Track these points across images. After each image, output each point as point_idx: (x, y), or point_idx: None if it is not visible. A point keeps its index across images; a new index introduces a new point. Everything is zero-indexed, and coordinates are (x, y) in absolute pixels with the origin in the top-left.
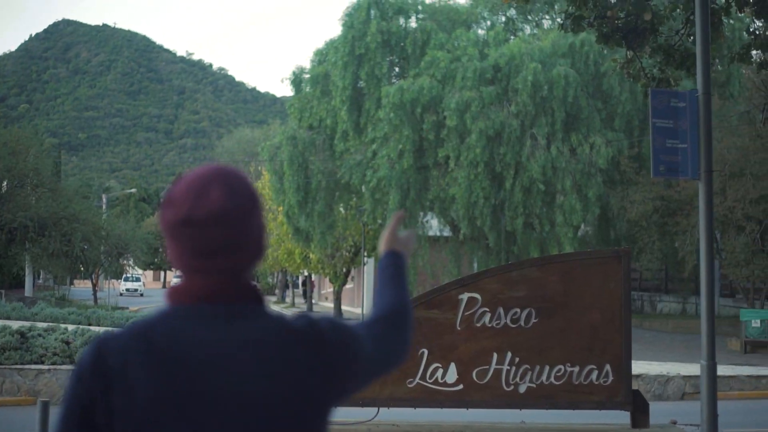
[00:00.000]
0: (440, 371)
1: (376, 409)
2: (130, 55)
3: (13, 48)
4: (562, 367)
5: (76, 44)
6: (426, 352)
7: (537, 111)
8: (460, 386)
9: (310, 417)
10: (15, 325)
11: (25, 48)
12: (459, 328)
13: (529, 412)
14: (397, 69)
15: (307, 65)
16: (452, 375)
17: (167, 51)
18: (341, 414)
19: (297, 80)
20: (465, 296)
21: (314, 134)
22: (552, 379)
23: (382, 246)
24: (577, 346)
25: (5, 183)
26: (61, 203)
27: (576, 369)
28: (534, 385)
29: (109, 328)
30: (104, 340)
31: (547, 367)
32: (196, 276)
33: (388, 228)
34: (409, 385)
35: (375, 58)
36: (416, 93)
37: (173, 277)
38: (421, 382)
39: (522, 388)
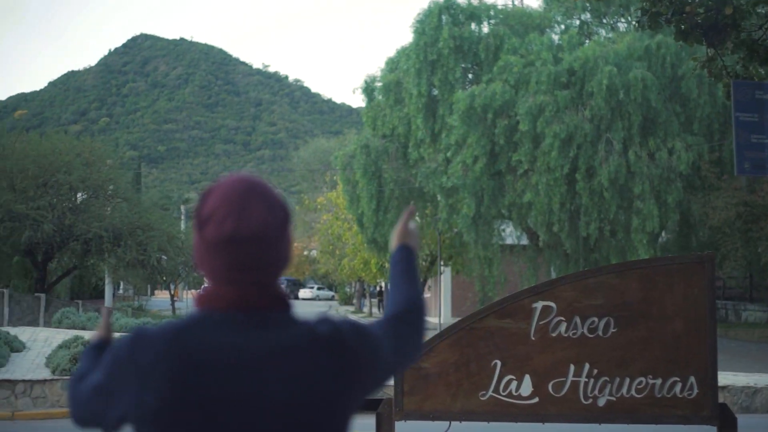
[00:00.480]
0: (514, 383)
1: (448, 422)
2: (207, 68)
3: (93, 63)
4: (643, 379)
5: (154, 58)
6: (499, 363)
7: (612, 115)
8: (536, 399)
9: (334, 420)
10: (88, 335)
11: (105, 62)
12: (533, 339)
13: (608, 426)
14: (470, 75)
15: (378, 74)
16: (527, 387)
17: (244, 64)
18: (412, 428)
19: (369, 89)
20: (539, 305)
21: (387, 143)
22: (633, 392)
23: (394, 240)
24: (660, 357)
25: (80, 194)
26: (136, 213)
27: (658, 381)
28: (614, 399)
29: (149, 321)
30: (140, 336)
31: (627, 380)
32: (228, 285)
33: (400, 222)
34: (482, 398)
35: (447, 64)
36: (488, 98)
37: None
38: (494, 394)
39: (601, 402)
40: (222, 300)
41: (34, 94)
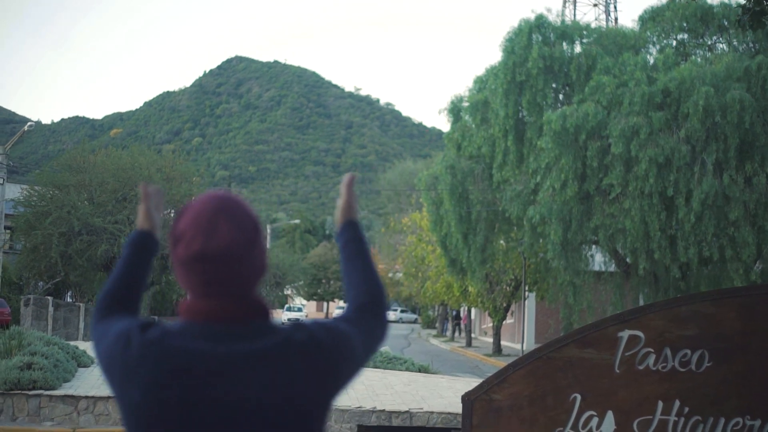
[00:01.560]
0: (595, 420)
1: None
2: (299, 90)
3: (188, 84)
4: (740, 420)
5: (247, 80)
6: (579, 397)
7: (708, 137)
8: None
9: (309, 420)
10: None
11: (200, 84)
12: (618, 371)
13: None
14: (561, 96)
15: (466, 94)
16: (609, 425)
17: (335, 86)
18: None
19: (455, 109)
20: (625, 334)
21: (473, 163)
22: None
23: (338, 216)
24: (759, 395)
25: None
26: None
27: (757, 423)
28: None
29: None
30: (132, 335)
31: (722, 420)
32: (205, 298)
33: (343, 196)
34: None
35: (537, 84)
36: (580, 119)
37: (335, 308)
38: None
39: None
40: (200, 312)
41: (129, 114)
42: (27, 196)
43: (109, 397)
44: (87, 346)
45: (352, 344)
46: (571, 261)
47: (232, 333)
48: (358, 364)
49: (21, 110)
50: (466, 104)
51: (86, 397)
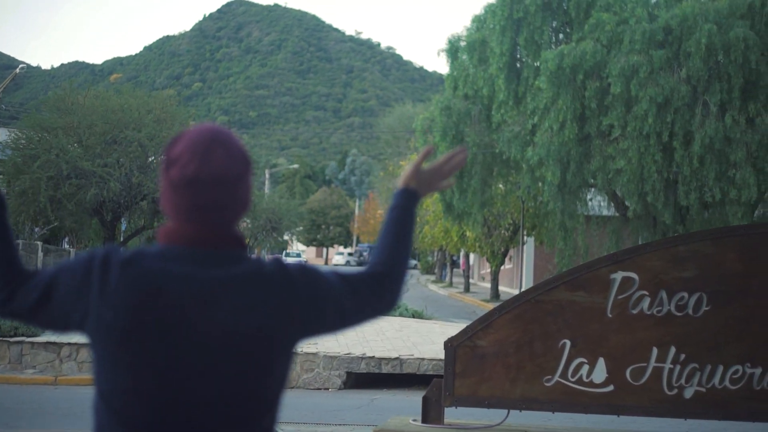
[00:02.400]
0: (585, 368)
1: (506, 411)
2: (300, 34)
3: (188, 28)
4: (740, 367)
5: (248, 24)
6: (568, 343)
7: (710, 76)
8: (610, 387)
9: (273, 352)
10: None
11: (199, 28)
12: (610, 316)
13: (696, 422)
14: (560, 35)
15: (464, 33)
16: (600, 373)
17: (336, 30)
18: (463, 414)
19: (453, 49)
20: (618, 275)
21: (470, 104)
22: (727, 383)
23: (401, 180)
24: (761, 341)
25: (150, 152)
26: None
27: (758, 371)
28: (703, 390)
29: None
30: (113, 254)
31: (720, 368)
32: (189, 223)
33: (415, 163)
34: (547, 384)
35: (534, 22)
36: (578, 58)
37: (335, 254)
38: (561, 380)
39: (688, 393)
40: (182, 236)
41: (129, 59)
42: (15, 138)
43: None
44: None
45: (327, 289)
46: (568, 204)
47: (210, 258)
48: (337, 316)
49: (21, 56)
50: (463, 44)
51: (69, 344)
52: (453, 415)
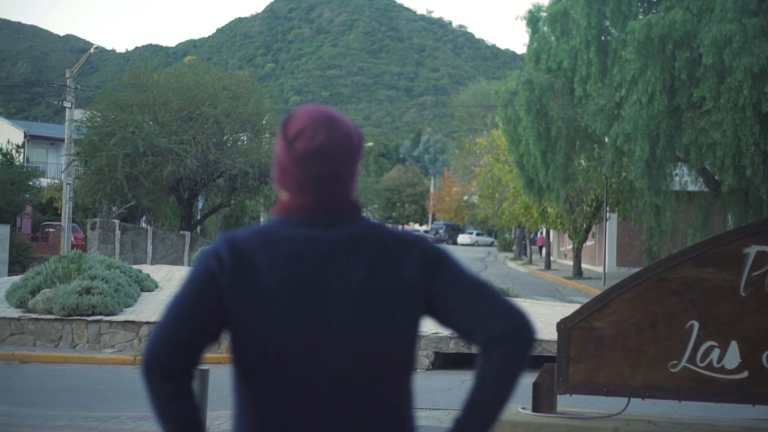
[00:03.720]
0: (716, 352)
1: (626, 399)
2: (371, 14)
3: (260, 9)
4: None
5: (319, 4)
6: (696, 325)
7: None
8: (744, 373)
9: (406, 308)
10: None
11: (271, 9)
12: (743, 294)
13: None
14: (646, 4)
15: (545, 3)
16: (733, 358)
17: (408, 9)
18: (579, 402)
19: (533, 20)
20: (752, 250)
21: (552, 78)
22: None
23: None
24: None
25: (226, 129)
26: None
27: None
28: None
29: None
30: (231, 234)
31: None
32: (310, 194)
33: None
34: (672, 370)
35: None
36: (667, 28)
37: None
38: (688, 365)
39: None
40: (300, 206)
41: (202, 41)
42: (90, 117)
43: None
44: (152, 270)
45: (454, 269)
46: (655, 180)
47: (333, 221)
48: (447, 305)
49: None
50: (544, 15)
51: (148, 323)
52: (566, 403)
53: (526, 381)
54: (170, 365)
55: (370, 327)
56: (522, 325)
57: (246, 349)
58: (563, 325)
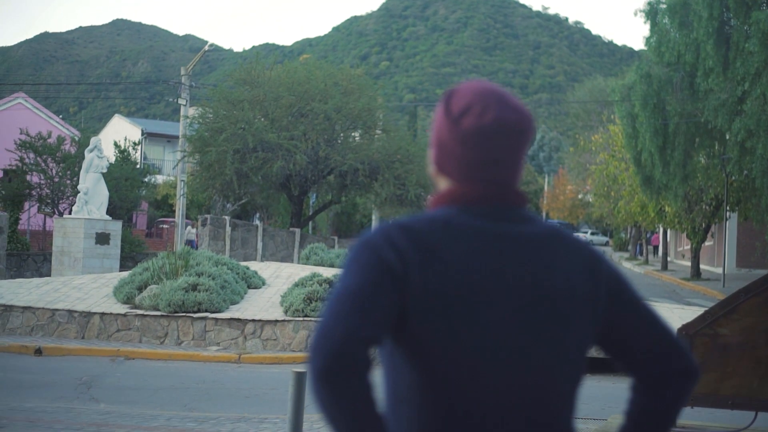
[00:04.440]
0: None
1: (753, 413)
2: (486, 11)
3: (376, 7)
4: None
5: (434, 2)
6: None
7: None
8: None
9: (585, 316)
10: (327, 273)
11: (386, 7)
12: None
13: None
14: None
15: None
16: None
17: (523, 6)
18: (702, 415)
19: (652, 11)
20: None
21: (671, 71)
22: None
23: None
24: None
25: (337, 124)
26: (393, 145)
27: None
28: None
29: None
30: (404, 222)
31: None
32: (474, 183)
33: None
34: None
35: None
36: None
37: None
38: None
39: None
40: (474, 196)
41: (318, 39)
42: (201, 113)
43: (276, 321)
44: (260, 267)
45: (631, 292)
46: None
47: (515, 216)
48: (621, 332)
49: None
50: (663, 6)
51: (253, 321)
52: (687, 415)
53: (625, 384)
54: (359, 363)
55: (565, 335)
56: (695, 363)
57: (433, 353)
58: (685, 332)
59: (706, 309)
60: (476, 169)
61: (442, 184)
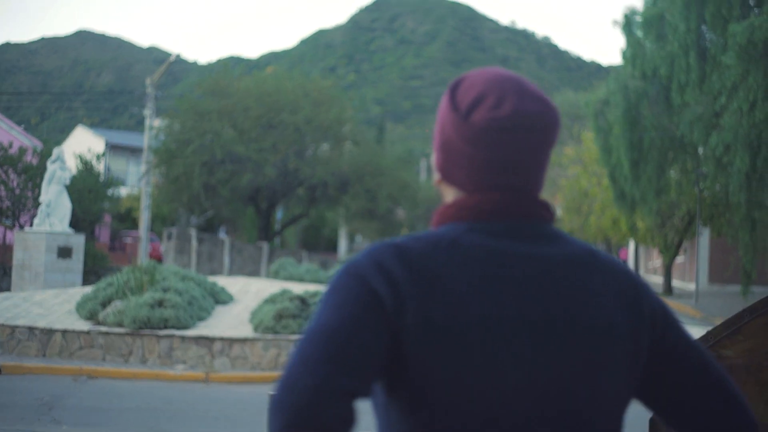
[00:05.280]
0: None
1: None
2: (454, 24)
3: (343, 20)
4: None
5: (402, 15)
6: None
7: None
8: None
9: (625, 355)
10: (298, 289)
11: (354, 20)
12: None
13: None
14: (747, 7)
15: (641, 7)
16: None
17: (491, 20)
18: None
19: (628, 23)
20: None
21: (647, 84)
22: None
23: None
24: None
25: (307, 136)
26: (363, 157)
27: None
28: None
29: None
30: (398, 243)
31: None
32: (487, 192)
33: None
34: None
35: None
36: None
37: None
38: None
39: None
40: (478, 210)
41: (285, 52)
42: (168, 124)
43: (245, 339)
44: (228, 282)
45: (678, 328)
46: (756, 193)
47: (538, 233)
48: (672, 378)
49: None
50: (639, 18)
51: (222, 339)
52: None
53: (641, 414)
54: (333, 424)
55: (601, 384)
56: (755, 421)
57: (438, 405)
58: None
59: (708, 329)
60: (490, 174)
61: (449, 194)
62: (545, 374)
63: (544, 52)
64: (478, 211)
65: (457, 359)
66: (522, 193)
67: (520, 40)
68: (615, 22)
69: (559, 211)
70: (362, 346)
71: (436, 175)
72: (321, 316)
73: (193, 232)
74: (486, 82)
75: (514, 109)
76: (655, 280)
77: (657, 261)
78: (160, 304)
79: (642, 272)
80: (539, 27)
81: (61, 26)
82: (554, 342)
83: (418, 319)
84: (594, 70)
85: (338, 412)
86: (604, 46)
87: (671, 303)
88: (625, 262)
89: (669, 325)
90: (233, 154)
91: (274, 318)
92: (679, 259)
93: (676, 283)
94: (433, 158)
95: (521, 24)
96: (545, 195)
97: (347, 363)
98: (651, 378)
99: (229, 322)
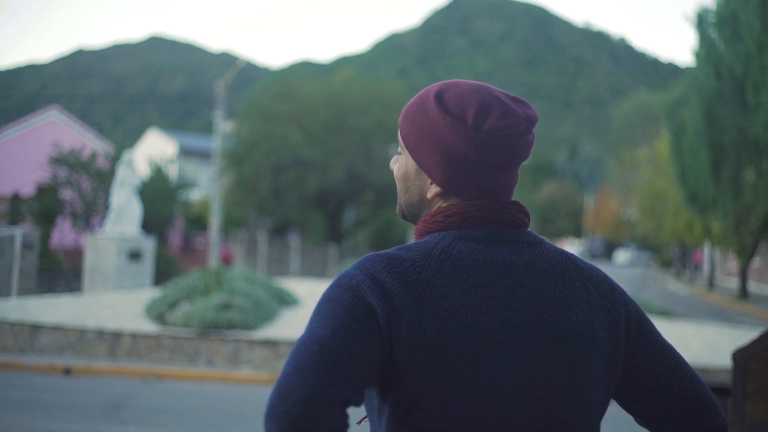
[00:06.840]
0: None
1: None
2: (527, 25)
3: (417, 22)
4: None
5: (475, 17)
6: None
7: None
8: None
9: (600, 358)
10: None
11: (427, 23)
12: None
13: None
14: None
15: (713, 6)
16: None
17: (564, 21)
18: None
19: (701, 23)
20: None
21: (721, 84)
22: None
23: None
24: None
25: (374, 139)
26: None
27: None
28: None
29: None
30: (389, 254)
31: None
32: (475, 199)
33: None
34: None
35: None
36: None
37: (567, 245)
38: None
39: None
40: (468, 217)
41: (358, 56)
42: (237, 127)
43: None
44: (295, 284)
45: (650, 329)
46: None
47: (519, 239)
48: (641, 374)
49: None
50: (712, 17)
51: (287, 342)
52: None
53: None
54: (324, 431)
55: (585, 388)
56: (725, 421)
57: (432, 413)
58: (741, 356)
59: (762, 331)
60: (495, 179)
61: (438, 202)
62: (531, 380)
63: (620, 52)
64: (464, 219)
65: (449, 366)
66: (506, 198)
67: (595, 40)
68: (686, 18)
69: (633, 214)
70: (355, 356)
71: (432, 192)
72: (315, 327)
73: (262, 235)
74: (475, 93)
75: (525, 115)
76: (730, 283)
77: (732, 264)
78: (227, 306)
79: (718, 275)
80: (615, 27)
81: (133, 32)
82: (539, 348)
83: (412, 329)
84: (671, 71)
85: (331, 420)
86: (683, 48)
87: (748, 307)
88: (697, 264)
89: (644, 330)
90: (300, 158)
91: None
92: (756, 262)
93: (753, 287)
94: (430, 175)
95: (596, 24)
96: (617, 195)
97: (340, 373)
98: (627, 381)
99: (295, 324)
